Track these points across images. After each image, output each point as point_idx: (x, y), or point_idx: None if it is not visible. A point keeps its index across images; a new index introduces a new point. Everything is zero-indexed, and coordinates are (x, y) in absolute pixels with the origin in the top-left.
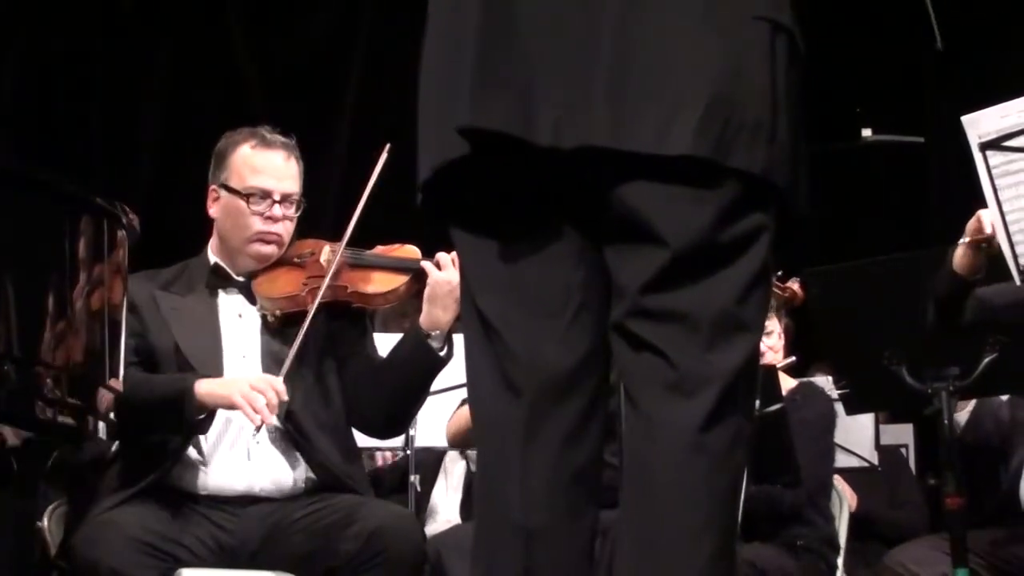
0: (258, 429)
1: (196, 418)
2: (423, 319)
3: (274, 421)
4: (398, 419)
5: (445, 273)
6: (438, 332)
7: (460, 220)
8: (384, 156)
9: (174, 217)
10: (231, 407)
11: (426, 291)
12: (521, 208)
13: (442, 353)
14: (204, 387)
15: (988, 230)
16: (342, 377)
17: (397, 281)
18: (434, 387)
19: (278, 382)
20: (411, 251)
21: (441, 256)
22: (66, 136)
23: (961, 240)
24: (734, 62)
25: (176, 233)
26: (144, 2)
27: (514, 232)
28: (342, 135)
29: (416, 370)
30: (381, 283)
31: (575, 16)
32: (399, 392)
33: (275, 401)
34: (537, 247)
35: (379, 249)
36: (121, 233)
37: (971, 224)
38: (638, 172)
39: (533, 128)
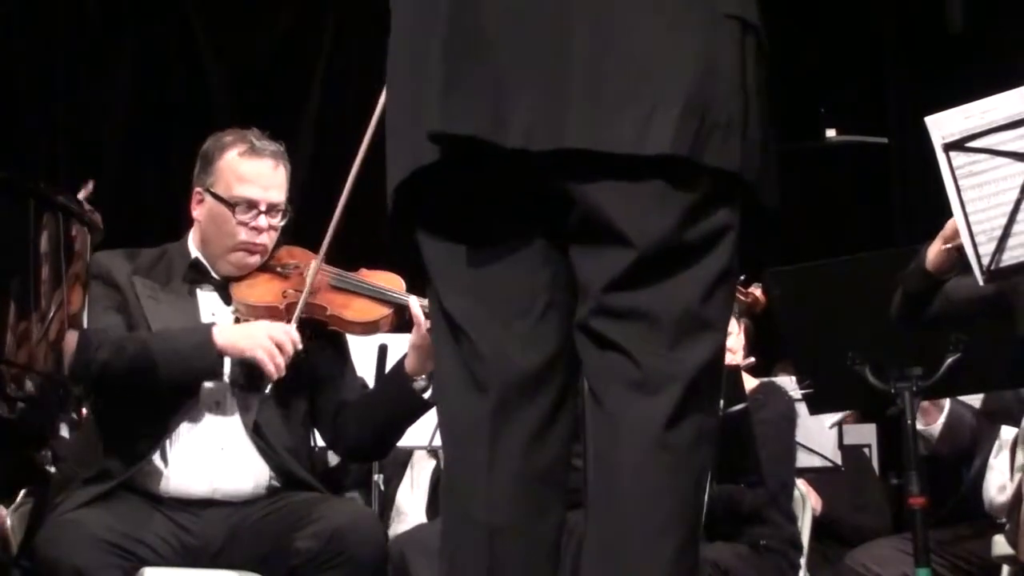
0: (268, 384)
1: (216, 366)
2: (408, 363)
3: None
4: (381, 449)
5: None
6: (424, 376)
7: (426, 222)
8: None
9: (138, 215)
10: (252, 359)
11: (413, 338)
12: (487, 209)
13: (426, 395)
14: (224, 337)
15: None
16: (319, 398)
17: (379, 312)
18: None
19: (294, 332)
20: (395, 281)
21: None
22: (30, 134)
23: (935, 242)
24: (707, 60)
25: (140, 231)
26: (109, 3)
27: (480, 233)
28: (306, 133)
29: (401, 412)
30: (362, 312)
31: (545, 17)
32: (384, 428)
33: (291, 352)
34: (503, 248)
35: (363, 273)
36: (84, 231)
37: (949, 228)
38: (608, 173)
39: (504, 131)
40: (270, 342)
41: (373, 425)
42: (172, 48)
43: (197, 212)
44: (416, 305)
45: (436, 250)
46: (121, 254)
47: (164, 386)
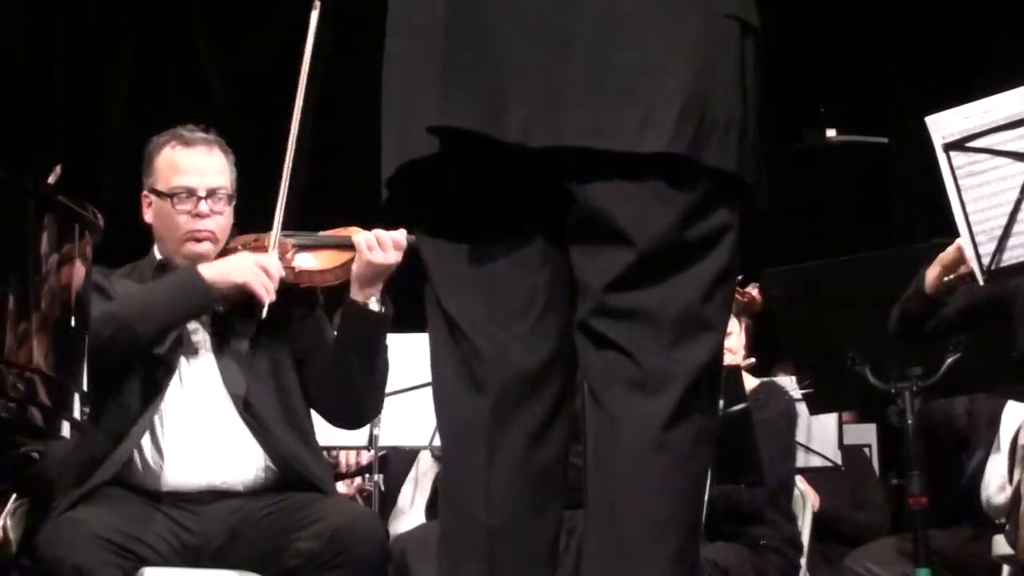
0: (264, 310)
1: (208, 300)
2: (353, 292)
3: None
4: (364, 401)
5: (373, 254)
6: (373, 298)
7: (424, 219)
8: (315, 14)
9: (137, 217)
10: (242, 286)
11: (353, 267)
12: (486, 208)
13: (383, 310)
14: (210, 271)
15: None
16: (305, 369)
17: (344, 257)
18: (398, 386)
19: (275, 258)
20: (355, 231)
21: (374, 236)
22: (30, 136)
23: (933, 266)
24: (707, 60)
25: (139, 233)
26: (108, 4)
27: (479, 232)
28: (304, 136)
29: (363, 335)
30: (328, 260)
31: (546, 15)
32: (356, 366)
33: (276, 277)
34: (502, 247)
35: (323, 233)
36: (86, 232)
37: (948, 255)
38: (608, 171)
39: (502, 126)
40: (256, 267)
41: (348, 366)
42: (171, 52)
43: (148, 216)
44: (359, 238)
45: (434, 248)
46: (96, 271)
47: (159, 332)
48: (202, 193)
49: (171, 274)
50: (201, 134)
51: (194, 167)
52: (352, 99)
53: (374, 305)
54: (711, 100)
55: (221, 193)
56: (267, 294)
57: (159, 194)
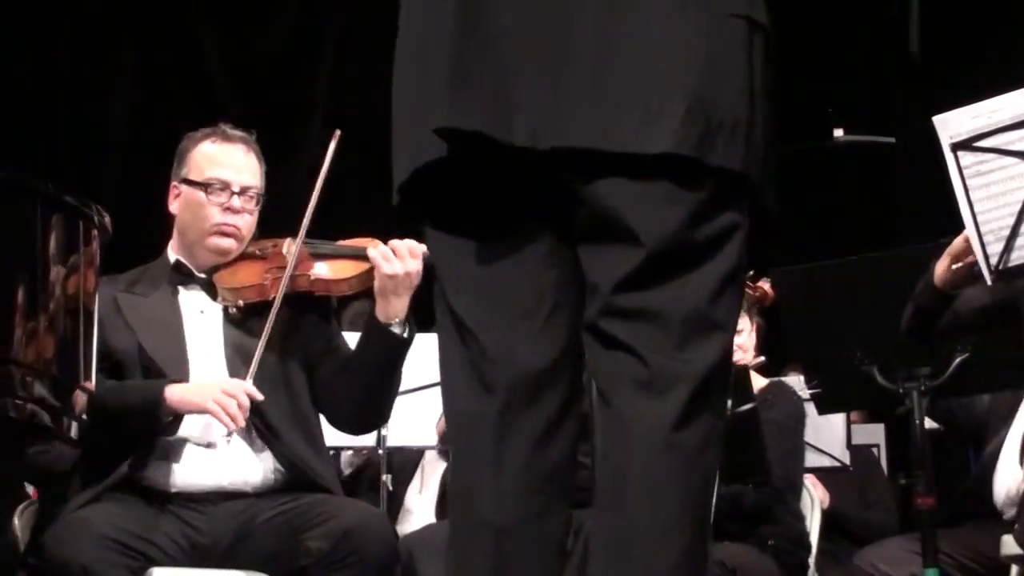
0: (230, 434)
1: (166, 422)
2: (378, 311)
3: (243, 425)
4: (372, 412)
5: (390, 265)
6: (397, 319)
7: (434, 220)
8: (334, 143)
9: (141, 217)
10: (203, 412)
11: (375, 284)
12: (495, 208)
13: (405, 335)
14: (176, 393)
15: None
16: (315, 374)
17: (359, 267)
18: (406, 386)
19: (249, 386)
20: (371, 241)
21: (389, 246)
22: (32, 135)
23: (942, 259)
24: (713, 60)
25: (142, 233)
26: (110, 4)
27: (488, 232)
28: (311, 134)
29: (383, 356)
30: (344, 270)
31: (552, 17)
32: (370, 382)
33: (247, 404)
34: (511, 247)
35: (341, 242)
36: (94, 232)
37: (955, 246)
38: (615, 171)
39: (509, 129)
40: (222, 394)
41: (362, 380)
42: (174, 48)
43: (174, 206)
44: (374, 252)
45: (443, 248)
46: (101, 281)
47: (122, 435)
48: (236, 188)
49: (139, 385)
50: (240, 133)
51: (231, 163)
52: (369, 101)
53: (396, 328)
54: (717, 100)
55: (252, 192)
56: (232, 422)
57: (192, 183)
